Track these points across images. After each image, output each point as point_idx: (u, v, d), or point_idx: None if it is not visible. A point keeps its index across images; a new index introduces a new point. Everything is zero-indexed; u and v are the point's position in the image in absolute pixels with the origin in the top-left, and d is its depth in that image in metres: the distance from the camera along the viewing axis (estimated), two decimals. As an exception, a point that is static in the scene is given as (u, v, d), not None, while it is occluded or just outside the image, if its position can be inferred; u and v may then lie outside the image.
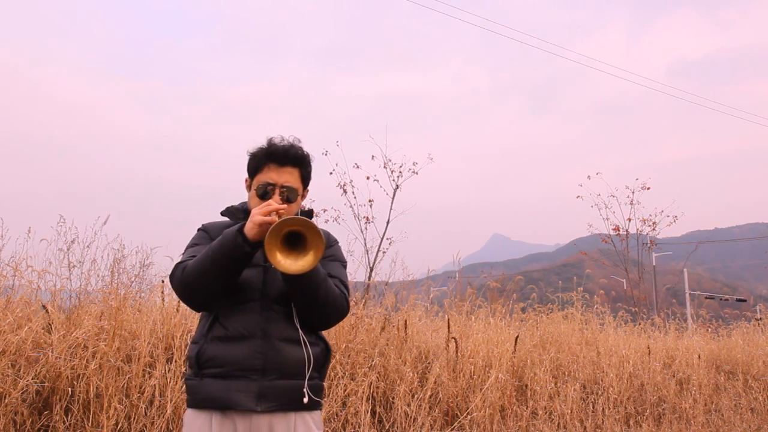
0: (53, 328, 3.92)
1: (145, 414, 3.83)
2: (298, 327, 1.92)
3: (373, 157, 8.42)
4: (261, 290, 1.93)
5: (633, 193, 12.14)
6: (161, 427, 3.80)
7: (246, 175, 2.13)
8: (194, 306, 2.00)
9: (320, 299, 1.90)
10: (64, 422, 3.61)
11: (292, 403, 1.88)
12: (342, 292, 2.00)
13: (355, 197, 8.23)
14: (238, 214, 2.08)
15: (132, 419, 3.78)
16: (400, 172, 8.41)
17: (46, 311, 4.10)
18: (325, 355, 2.02)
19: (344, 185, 8.29)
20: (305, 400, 1.87)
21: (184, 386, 1.96)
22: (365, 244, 7.94)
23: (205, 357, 1.88)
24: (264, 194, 2.01)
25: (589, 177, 12.10)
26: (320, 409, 2.00)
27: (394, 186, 8.39)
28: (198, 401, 1.89)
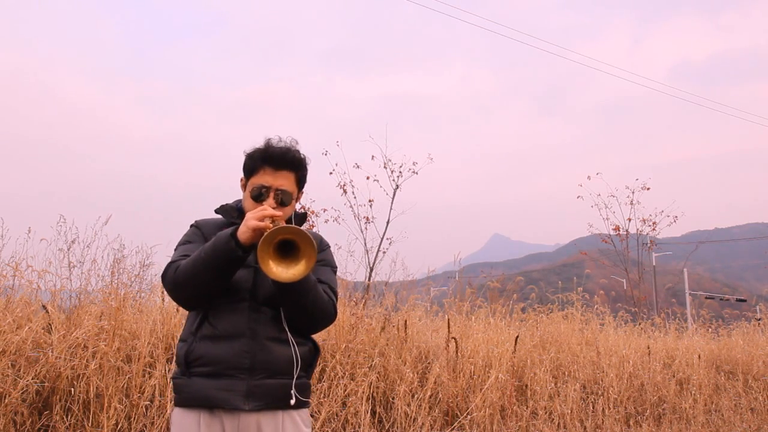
0: (53, 328, 3.93)
1: (145, 414, 3.83)
2: (286, 328, 1.93)
3: (373, 157, 8.44)
4: (251, 291, 1.93)
5: (633, 193, 12.14)
6: (161, 427, 3.80)
7: (242, 174, 2.11)
8: (185, 305, 2.00)
9: (308, 305, 1.91)
10: (64, 422, 3.61)
11: (280, 402, 1.88)
12: (330, 298, 2.00)
13: (355, 197, 8.24)
14: (232, 212, 2.08)
15: (132, 419, 3.78)
16: (400, 172, 8.43)
17: (46, 311, 4.10)
18: (313, 354, 2.04)
19: (344, 185, 8.30)
20: (292, 402, 1.88)
21: (172, 385, 1.96)
22: (365, 244, 7.95)
23: (193, 356, 1.89)
24: (258, 196, 2.00)
25: (589, 177, 12.10)
26: (308, 407, 2.02)
27: (394, 186, 8.40)
28: (186, 400, 1.89)
